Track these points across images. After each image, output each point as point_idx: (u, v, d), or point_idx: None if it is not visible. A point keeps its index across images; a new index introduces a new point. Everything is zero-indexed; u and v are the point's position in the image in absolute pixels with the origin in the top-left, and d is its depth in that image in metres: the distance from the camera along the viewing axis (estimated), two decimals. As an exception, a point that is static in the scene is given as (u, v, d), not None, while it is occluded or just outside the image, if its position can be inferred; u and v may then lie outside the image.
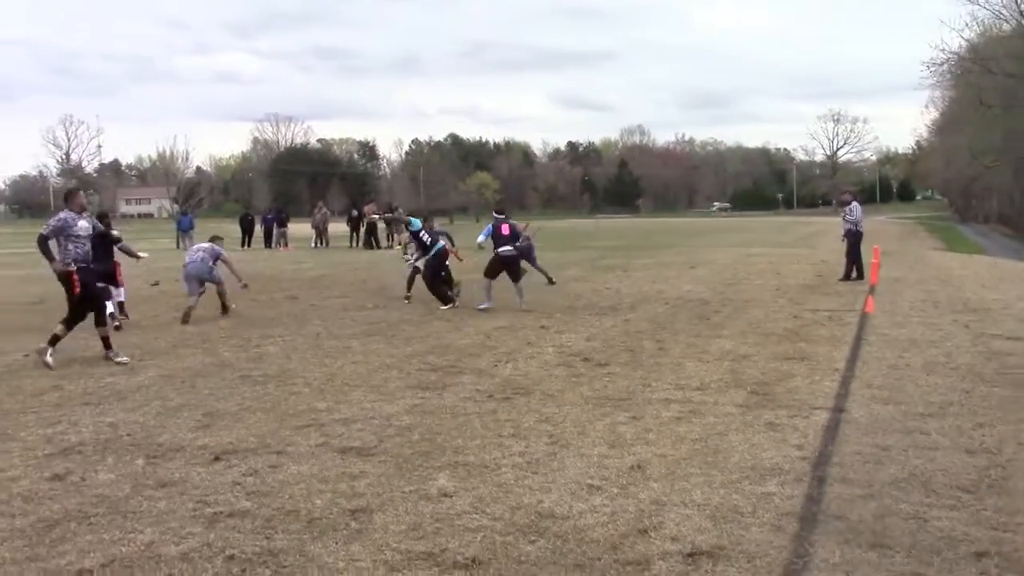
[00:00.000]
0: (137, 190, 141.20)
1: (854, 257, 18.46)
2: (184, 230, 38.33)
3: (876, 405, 7.49)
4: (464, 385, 8.55)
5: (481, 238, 15.19)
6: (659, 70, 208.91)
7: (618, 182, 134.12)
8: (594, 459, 6.05)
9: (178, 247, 38.25)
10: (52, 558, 4.51)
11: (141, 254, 14.54)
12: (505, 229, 14.53)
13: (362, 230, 36.24)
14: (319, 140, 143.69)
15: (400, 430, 6.89)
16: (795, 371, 9.06)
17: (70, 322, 10.01)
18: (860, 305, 13.84)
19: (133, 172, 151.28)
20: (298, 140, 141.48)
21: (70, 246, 9.85)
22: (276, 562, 4.43)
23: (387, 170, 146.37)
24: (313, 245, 36.30)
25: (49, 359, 9.72)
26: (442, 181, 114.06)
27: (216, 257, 14.05)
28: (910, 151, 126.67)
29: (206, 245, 14.49)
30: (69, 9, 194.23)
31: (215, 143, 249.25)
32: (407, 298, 15.49)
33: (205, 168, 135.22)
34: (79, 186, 10.47)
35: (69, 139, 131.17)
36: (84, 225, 10.04)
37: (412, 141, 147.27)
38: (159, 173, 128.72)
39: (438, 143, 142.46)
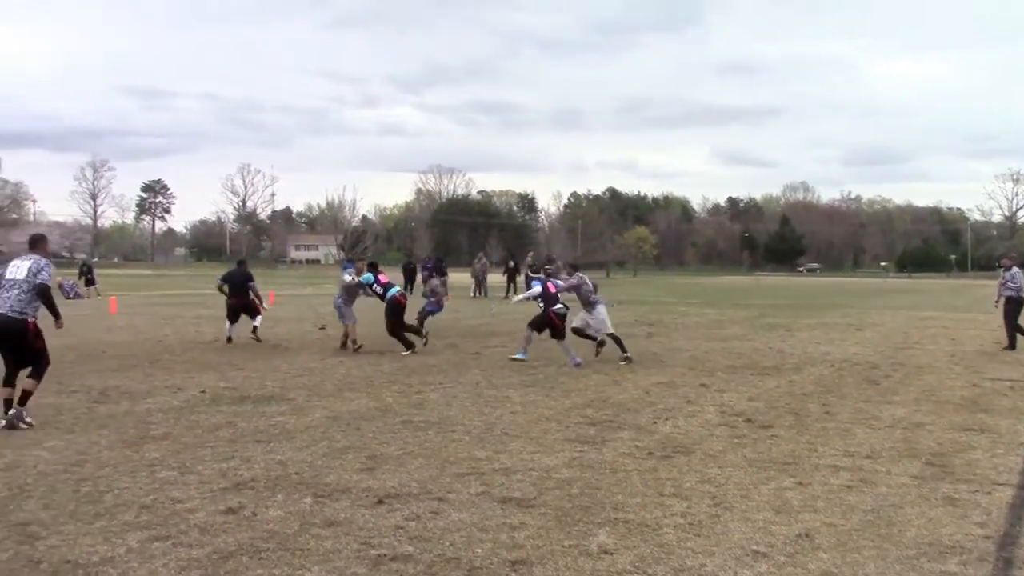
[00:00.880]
0: (306, 237, 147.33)
1: (1012, 324, 17.50)
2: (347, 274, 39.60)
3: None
4: (623, 440, 8.46)
5: (531, 296, 15.39)
6: (825, 126, 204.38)
7: (779, 239, 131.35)
8: (759, 524, 5.86)
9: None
10: (226, 589, 4.67)
11: (264, 307, 17.88)
12: (552, 288, 14.78)
13: (519, 280, 36.65)
14: (480, 191, 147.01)
15: (559, 483, 6.86)
16: (975, 443, 8.56)
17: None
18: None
19: (303, 219, 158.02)
20: (459, 191, 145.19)
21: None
22: (438, 609, 4.45)
23: (545, 222, 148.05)
24: (472, 295, 36.89)
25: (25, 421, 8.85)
26: (600, 234, 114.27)
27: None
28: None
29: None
30: (250, 65, 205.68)
31: (380, 193, 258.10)
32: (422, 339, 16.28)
33: (370, 216, 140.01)
34: (45, 234, 10.44)
35: (246, 187, 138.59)
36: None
37: (571, 194, 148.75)
38: (327, 221, 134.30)
39: (596, 196, 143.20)
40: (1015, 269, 18.00)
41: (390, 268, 68.19)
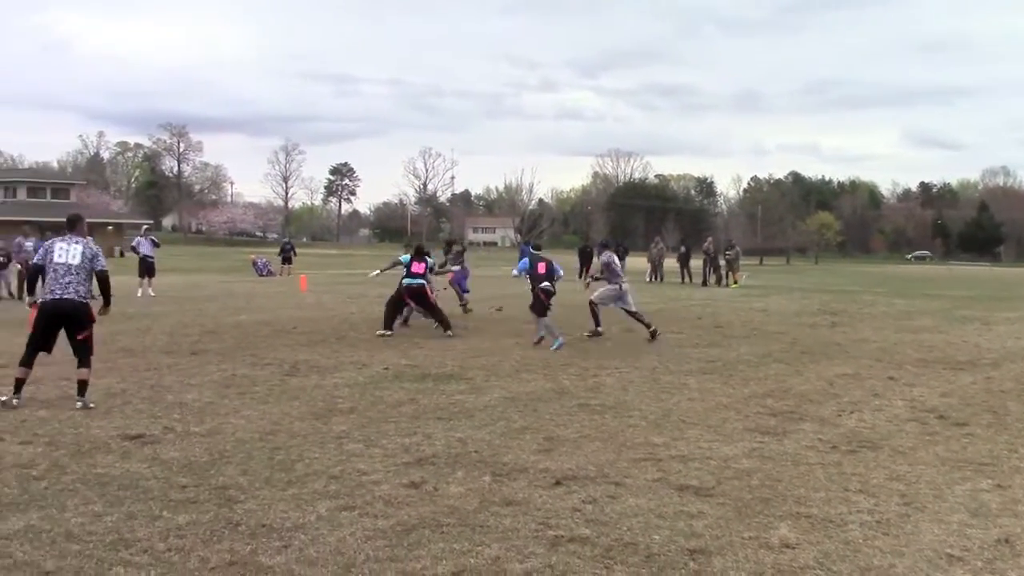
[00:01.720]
0: (484, 219, 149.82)
1: None
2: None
3: None
4: (806, 432, 8.21)
5: (516, 271, 15.17)
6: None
7: (976, 226, 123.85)
8: (953, 527, 5.57)
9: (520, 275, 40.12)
10: (408, 561, 4.82)
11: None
12: (542, 267, 14.68)
13: (693, 265, 36.18)
14: (657, 175, 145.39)
15: (739, 473, 6.73)
16: None
17: (22, 360, 9.02)
18: None
19: (481, 202, 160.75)
20: (636, 175, 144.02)
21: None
22: (615, 593, 4.45)
23: (723, 207, 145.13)
24: (648, 279, 36.61)
25: (13, 400, 8.74)
26: (780, 220, 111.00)
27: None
28: None
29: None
30: (434, 52, 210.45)
31: (557, 177, 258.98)
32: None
33: (547, 200, 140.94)
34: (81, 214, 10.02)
35: (427, 170, 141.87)
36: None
37: (751, 178, 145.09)
38: (505, 204, 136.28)
39: (778, 181, 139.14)
40: None
41: (567, 251, 68.30)
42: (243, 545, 4.99)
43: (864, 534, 5.39)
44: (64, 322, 8.92)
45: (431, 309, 15.66)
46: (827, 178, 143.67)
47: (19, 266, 21.58)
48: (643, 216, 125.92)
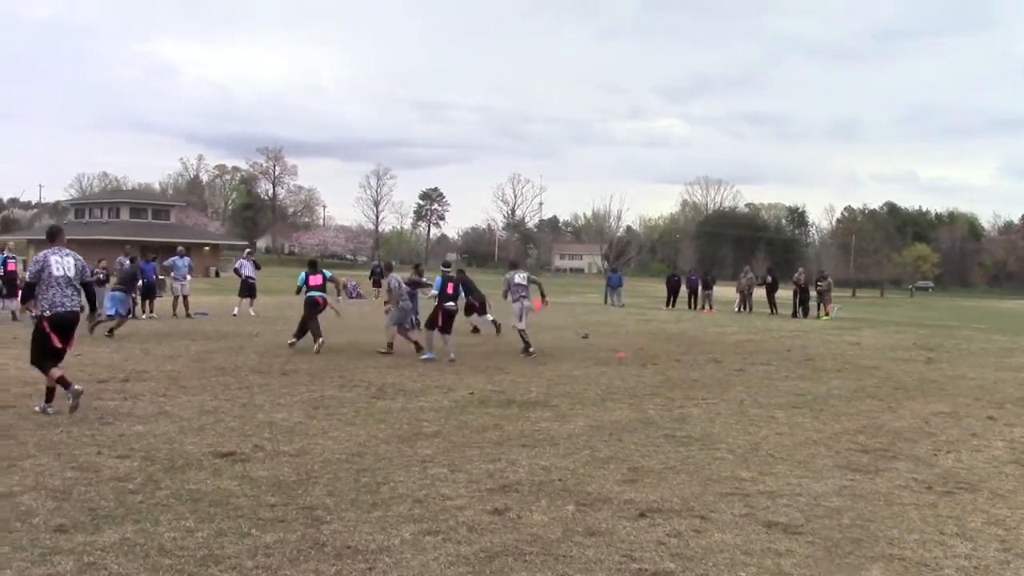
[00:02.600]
0: (571, 246, 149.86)
1: None
2: (613, 287, 40.08)
3: None
4: (899, 472, 7.97)
5: (432, 291, 16.47)
6: None
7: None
8: (1056, 576, 5.34)
9: (606, 302, 39.99)
10: (491, 588, 4.82)
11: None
12: (450, 287, 15.83)
13: (779, 296, 35.54)
14: (747, 204, 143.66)
15: (828, 511, 6.56)
16: None
17: (46, 370, 9.38)
18: None
19: (568, 228, 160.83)
20: (726, 204, 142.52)
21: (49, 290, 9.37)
22: (699, 630, 4.37)
23: (815, 237, 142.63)
24: (736, 309, 36.11)
25: (48, 409, 9.28)
26: (876, 251, 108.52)
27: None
28: None
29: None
30: (522, 78, 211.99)
31: (645, 204, 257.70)
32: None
33: (635, 227, 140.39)
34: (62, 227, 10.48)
35: (515, 196, 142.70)
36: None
37: (844, 208, 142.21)
38: (592, 230, 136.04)
39: (873, 211, 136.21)
40: None
41: (654, 279, 67.51)
42: (328, 566, 5.05)
43: (961, 580, 5.21)
44: (70, 330, 9.51)
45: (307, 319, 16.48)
46: (924, 209, 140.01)
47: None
48: (732, 245, 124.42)
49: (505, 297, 16.97)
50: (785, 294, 36.76)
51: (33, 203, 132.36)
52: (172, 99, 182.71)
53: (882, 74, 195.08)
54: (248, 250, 30.34)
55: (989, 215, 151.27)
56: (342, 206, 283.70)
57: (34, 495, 6.23)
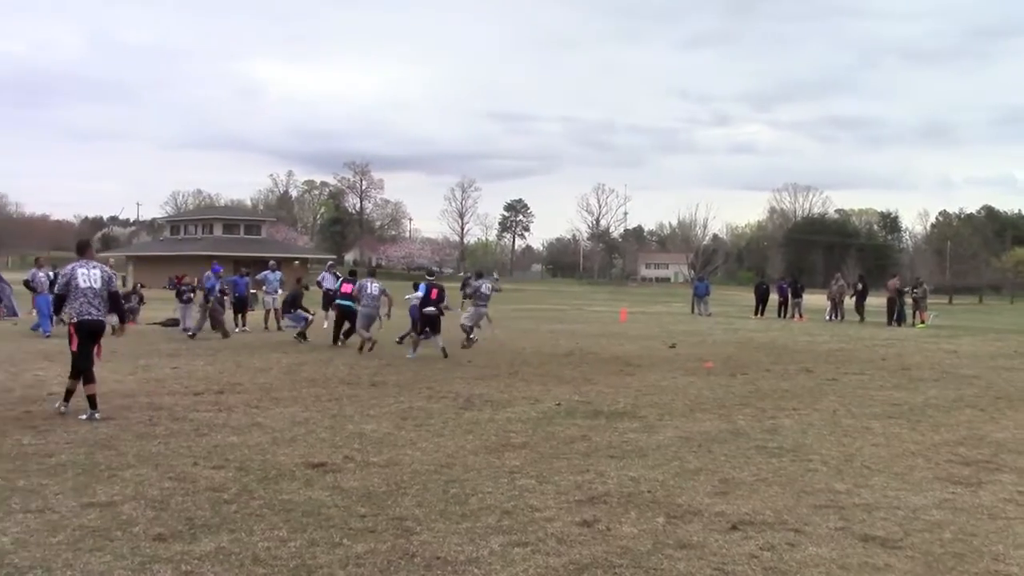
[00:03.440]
0: (656, 255, 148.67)
1: None
2: (700, 296, 39.65)
3: None
4: (1004, 484, 7.69)
5: (418, 295, 18.06)
6: None
7: None
8: None
9: (693, 312, 39.56)
10: (581, 601, 4.78)
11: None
12: (434, 293, 17.26)
13: (869, 303, 34.65)
14: (837, 210, 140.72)
15: (928, 525, 6.36)
16: None
17: (72, 375, 10.09)
18: None
19: (654, 238, 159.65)
20: (815, 210, 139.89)
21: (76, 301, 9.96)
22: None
23: (909, 243, 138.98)
24: (828, 318, 35.34)
25: (61, 408, 10.02)
26: (973, 256, 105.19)
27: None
28: None
29: (377, 288, 18.07)
30: (606, 88, 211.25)
31: (731, 211, 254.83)
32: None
33: (721, 235, 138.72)
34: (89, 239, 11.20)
35: (600, 206, 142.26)
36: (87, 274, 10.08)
37: (939, 213, 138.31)
38: (678, 239, 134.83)
39: (969, 215, 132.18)
40: None
41: (742, 288, 66.53)
42: (418, 576, 5.07)
43: (1072, 598, 4.99)
44: (95, 338, 10.08)
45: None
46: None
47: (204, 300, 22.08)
48: (822, 252, 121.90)
49: (465, 299, 18.80)
50: (878, 301, 35.90)
51: (131, 221, 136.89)
52: (262, 117, 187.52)
53: (978, 75, 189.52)
54: (330, 263, 30.83)
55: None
56: (428, 219, 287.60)
57: (134, 504, 6.40)
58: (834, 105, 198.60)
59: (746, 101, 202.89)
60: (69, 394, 10.04)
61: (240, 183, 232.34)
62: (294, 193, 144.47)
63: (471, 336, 18.86)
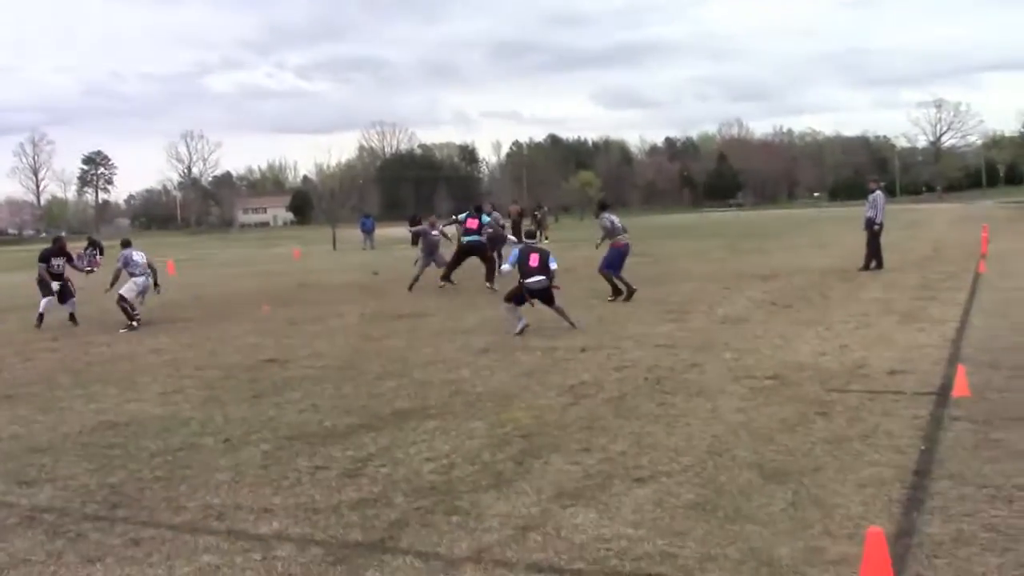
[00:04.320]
0: (253, 200, 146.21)
1: (873, 248, 18.72)
2: (368, 231, 43.06)
3: (991, 319, 11.35)
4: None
5: (506, 267, 13.24)
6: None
7: (717, 176, 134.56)
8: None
9: (364, 247, 42.04)
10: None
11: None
12: (534, 259, 12.58)
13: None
14: (420, 145, 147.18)
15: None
16: (929, 306, 12.85)
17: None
18: (974, 268, 17.52)
19: (243, 183, 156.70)
20: (403, 147, 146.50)
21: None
22: None
23: (486, 172, 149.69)
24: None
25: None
26: (543, 181, 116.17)
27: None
28: (1017, 133, 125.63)
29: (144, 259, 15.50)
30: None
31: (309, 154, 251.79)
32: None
33: (311, 176, 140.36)
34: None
35: (191, 153, 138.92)
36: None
37: (512, 143, 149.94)
38: (268, 184, 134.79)
39: (538, 144, 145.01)
40: (876, 193, 18.92)
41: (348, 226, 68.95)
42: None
43: None
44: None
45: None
46: (583, 138, 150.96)
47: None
48: (413, 186, 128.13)
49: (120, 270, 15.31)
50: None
51: None
52: None
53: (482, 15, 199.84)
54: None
55: (636, 140, 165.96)
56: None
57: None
58: (333, 49, 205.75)
59: (246, 47, 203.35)
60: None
61: None
62: None
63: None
